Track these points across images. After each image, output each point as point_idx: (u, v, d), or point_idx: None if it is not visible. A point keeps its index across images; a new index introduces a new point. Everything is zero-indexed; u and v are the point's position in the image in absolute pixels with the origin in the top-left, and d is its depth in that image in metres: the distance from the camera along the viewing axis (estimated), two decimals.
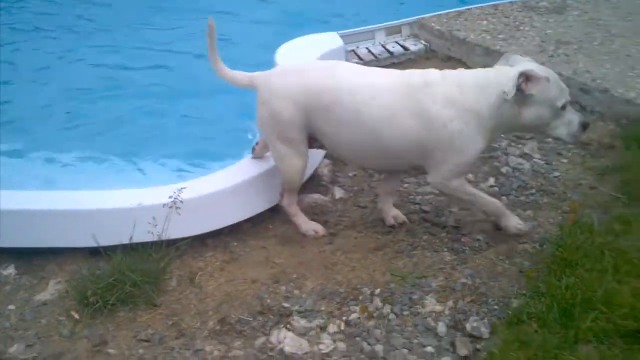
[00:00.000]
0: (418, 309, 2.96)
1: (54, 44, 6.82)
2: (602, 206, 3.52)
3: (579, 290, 2.72)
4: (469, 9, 6.22)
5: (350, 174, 4.10)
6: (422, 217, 3.66)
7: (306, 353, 2.78)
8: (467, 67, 5.16)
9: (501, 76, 3.14)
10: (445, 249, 3.35)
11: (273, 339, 2.85)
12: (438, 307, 2.95)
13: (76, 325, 3.00)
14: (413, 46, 5.79)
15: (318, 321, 2.93)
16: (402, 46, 5.81)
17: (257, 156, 3.75)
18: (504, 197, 3.74)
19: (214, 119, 5.42)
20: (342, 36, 5.43)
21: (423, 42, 5.85)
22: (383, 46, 5.81)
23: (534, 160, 4.10)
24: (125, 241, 3.19)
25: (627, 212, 3.34)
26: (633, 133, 4.06)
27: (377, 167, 3.67)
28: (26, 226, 3.37)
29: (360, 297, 3.05)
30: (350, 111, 3.22)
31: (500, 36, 5.60)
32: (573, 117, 3.21)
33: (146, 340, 2.91)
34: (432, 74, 3.24)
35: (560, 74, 3.54)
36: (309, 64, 3.61)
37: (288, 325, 2.91)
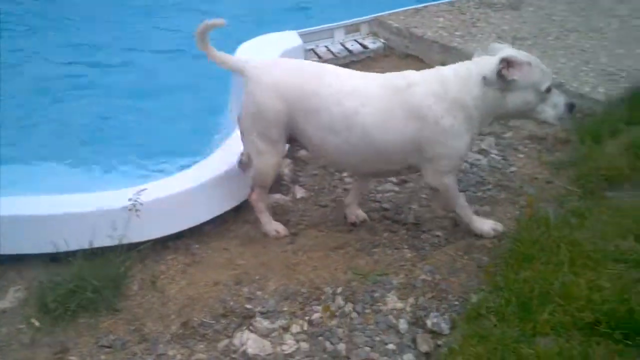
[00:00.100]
0: (380, 306, 2.98)
1: (7, 43, 6.71)
2: (558, 200, 3.59)
3: (536, 283, 2.76)
4: (425, 7, 6.30)
5: (311, 173, 4.11)
6: (382, 215, 3.69)
7: (269, 354, 2.78)
8: (425, 64, 5.21)
9: (482, 65, 3.15)
10: (406, 246, 3.39)
11: (236, 341, 2.85)
12: (399, 305, 2.98)
13: (37, 333, 2.97)
14: (372, 44, 5.83)
15: (281, 322, 2.94)
16: (361, 44, 5.85)
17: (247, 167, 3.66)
18: (462, 194, 3.77)
19: (176, 118, 5.39)
20: (301, 35, 5.45)
21: (382, 40, 5.89)
22: (342, 44, 5.85)
23: (491, 155, 4.16)
24: (85, 246, 3.17)
25: (582, 206, 3.40)
26: (587, 127, 4.13)
27: (367, 172, 3.56)
28: None
29: (323, 297, 3.07)
30: (339, 120, 3.20)
31: (457, 33, 5.66)
32: (558, 100, 3.24)
33: (108, 346, 2.88)
34: (412, 75, 3.25)
35: None
36: (300, 63, 3.57)
37: (251, 327, 2.92)
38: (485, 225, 3.42)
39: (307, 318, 2.95)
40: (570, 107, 3.26)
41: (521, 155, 4.17)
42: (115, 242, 3.20)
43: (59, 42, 6.77)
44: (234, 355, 2.80)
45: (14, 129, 5.15)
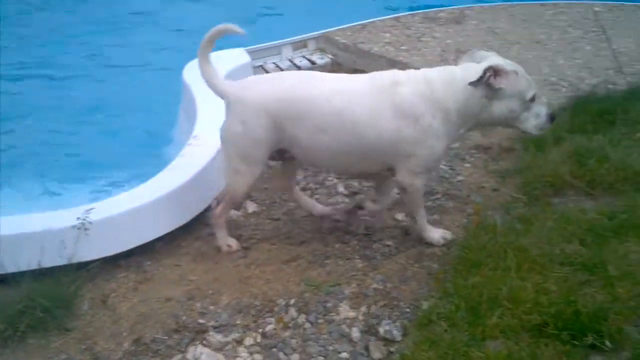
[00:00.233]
0: (332, 316, 3.00)
1: None
2: (504, 207, 3.66)
3: (484, 288, 2.81)
4: (372, 22, 6.37)
5: (262, 187, 4.12)
6: (334, 226, 3.72)
7: None
8: None
9: (467, 71, 3.20)
10: (357, 257, 3.42)
11: (189, 355, 2.83)
12: (352, 314, 3.00)
13: None
14: (320, 60, 5.88)
15: (234, 335, 2.93)
16: (309, 60, 5.90)
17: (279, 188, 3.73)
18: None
19: (125, 134, 5.35)
20: (249, 52, 5.47)
21: (329, 56, 5.95)
22: (290, 61, 5.89)
23: (439, 166, 4.22)
24: (34, 266, 3.12)
25: (527, 212, 3.49)
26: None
27: (353, 172, 3.62)
28: None
29: (276, 309, 3.07)
30: (329, 117, 3.23)
31: (403, 47, 5.76)
32: (541, 110, 3.29)
33: None
34: (399, 74, 3.31)
35: None
36: (279, 75, 3.55)
37: (204, 341, 2.90)
38: (436, 233, 3.47)
39: (260, 330, 2.95)
40: (552, 118, 3.33)
41: (468, 165, 4.25)
42: (64, 262, 3.17)
43: (6, 57, 6.66)
44: None
45: None
